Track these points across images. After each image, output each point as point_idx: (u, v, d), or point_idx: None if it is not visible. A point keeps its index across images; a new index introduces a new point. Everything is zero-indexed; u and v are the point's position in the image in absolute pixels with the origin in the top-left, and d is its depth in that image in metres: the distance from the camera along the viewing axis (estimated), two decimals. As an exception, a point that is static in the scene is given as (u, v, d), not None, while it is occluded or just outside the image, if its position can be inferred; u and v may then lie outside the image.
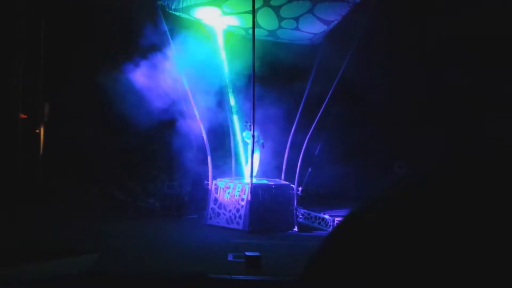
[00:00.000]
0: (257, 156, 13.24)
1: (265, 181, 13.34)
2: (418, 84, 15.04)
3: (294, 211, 13.16)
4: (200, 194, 14.10)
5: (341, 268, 0.83)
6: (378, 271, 0.77)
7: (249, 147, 12.85)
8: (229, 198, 12.94)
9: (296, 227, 12.93)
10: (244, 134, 13.49)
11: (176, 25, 12.88)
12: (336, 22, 13.00)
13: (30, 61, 14.27)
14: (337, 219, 13.01)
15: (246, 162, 13.53)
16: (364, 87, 14.89)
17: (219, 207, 13.04)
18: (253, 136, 12.62)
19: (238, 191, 12.83)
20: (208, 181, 13.45)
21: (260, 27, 12.80)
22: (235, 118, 13.94)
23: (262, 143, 13.42)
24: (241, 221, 12.54)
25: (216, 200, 13.16)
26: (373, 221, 0.83)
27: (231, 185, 13.05)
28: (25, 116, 15.31)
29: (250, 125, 12.79)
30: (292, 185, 13.37)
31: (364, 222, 0.85)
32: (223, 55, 13.60)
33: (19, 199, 12.97)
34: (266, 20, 12.78)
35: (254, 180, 12.74)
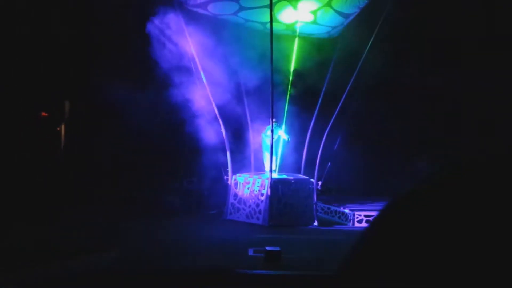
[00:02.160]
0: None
1: (284, 176, 13.31)
2: (439, 78, 14.87)
3: (314, 205, 13.12)
4: (219, 190, 14.13)
5: (380, 262, 0.80)
6: (420, 265, 0.75)
7: (269, 142, 12.84)
8: (249, 193, 12.95)
9: (316, 221, 12.90)
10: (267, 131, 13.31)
11: (194, 20, 12.88)
12: (354, 15, 12.91)
13: (52, 59, 14.38)
14: (357, 213, 12.95)
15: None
16: (385, 81, 14.78)
17: (239, 202, 13.07)
18: (272, 132, 12.60)
19: (258, 186, 12.84)
20: (227, 176, 13.47)
21: (277, 21, 12.75)
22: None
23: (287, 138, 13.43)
24: (261, 216, 12.55)
25: (236, 195, 13.18)
26: (412, 213, 0.81)
27: (251, 180, 13.06)
28: (46, 114, 15.47)
29: (274, 122, 12.77)
30: (311, 179, 13.33)
31: (403, 215, 0.83)
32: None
33: (41, 197, 13.09)
34: (284, 14, 12.74)
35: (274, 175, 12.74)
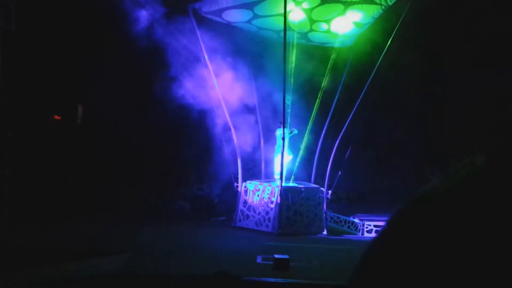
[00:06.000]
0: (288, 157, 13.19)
1: (294, 184, 13.29)
2: (451, 86, 14.80)
3: (324, 214, 13.07)
4: (229, 196, 14.13)
5: (393, 272, 0.78)
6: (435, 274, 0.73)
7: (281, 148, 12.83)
8: (259, 201, 12.93)
9: (325, 230, 12.85)
10: (277, 133, 13.29)
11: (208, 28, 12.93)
12: (368, 24, 12.90)
13: (63, 62, 14.46)
14: (366, 223, 12.89)
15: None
16: (396, 89, 14.74)
17: (249, 209, 13.05)
18: (283, 139, 12.58)
19: (268, 194, 12.82)
20: (237, 183, 13.47)
21: (291, 29, 12.78)
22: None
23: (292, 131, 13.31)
24: (270, 224, 12.52)
25: (245, 202, 13.17)
26: (427, 217, 0.78)
27: (261, 187, 13.05)
28: (59, 118, 15.57)
29: (281, 124, 12.77)
30: (321, 188, 13.29)
31: (416, 219, 0.80)
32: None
33: (53, 202, 13.14)
34: (298, 23, 12.77)
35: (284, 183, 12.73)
